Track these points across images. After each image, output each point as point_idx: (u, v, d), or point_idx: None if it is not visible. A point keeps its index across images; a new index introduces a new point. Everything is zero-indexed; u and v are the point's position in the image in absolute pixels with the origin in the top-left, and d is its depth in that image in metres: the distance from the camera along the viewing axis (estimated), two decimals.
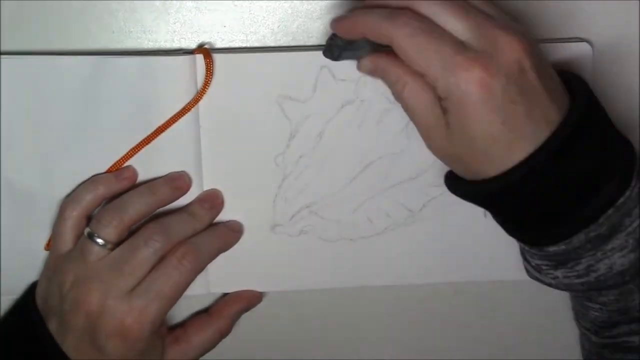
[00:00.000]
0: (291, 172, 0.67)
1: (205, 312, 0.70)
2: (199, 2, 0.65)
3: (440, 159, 0.60)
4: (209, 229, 0.66)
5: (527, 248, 0.62)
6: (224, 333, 0.69)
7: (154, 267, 0.63)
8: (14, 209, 0.66)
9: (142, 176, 0.65)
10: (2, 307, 0.69)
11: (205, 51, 0.63)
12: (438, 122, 0.57)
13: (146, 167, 0.65)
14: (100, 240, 0.62)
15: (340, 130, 0.66)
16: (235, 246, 0.68)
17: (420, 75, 0.57)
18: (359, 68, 0.61)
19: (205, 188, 0.66)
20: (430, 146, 0.59)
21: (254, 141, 0.66)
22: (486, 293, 0.73)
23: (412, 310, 0.73)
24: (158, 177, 0.65)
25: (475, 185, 0.59)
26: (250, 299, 0.70)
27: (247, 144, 0.66)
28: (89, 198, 0.64)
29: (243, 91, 0.64)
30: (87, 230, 0.63)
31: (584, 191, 0.57)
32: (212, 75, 0.63)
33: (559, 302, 0.73)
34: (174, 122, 0.64)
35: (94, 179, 0.65)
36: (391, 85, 0.59)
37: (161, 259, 0.63)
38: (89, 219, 0.65)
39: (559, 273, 0.61)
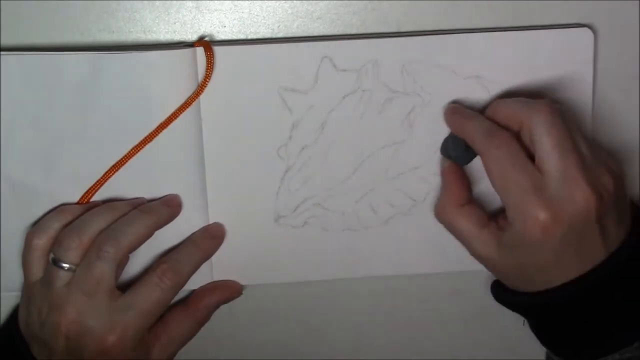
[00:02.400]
0: (294, 164, 0.67)
1: (182, 302, 0.69)
2: (199, 2, 0.65)
3: (482, 265, 0.65)
4: (188, 241, 0.67)
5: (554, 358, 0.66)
6: (203, 323, 0.69)
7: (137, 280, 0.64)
8: (14, 206, 0.66)
9: (144, 171, 0.65)
10: (2, 304, 0.69)
11: (206, 44, 0.63)
12: (490, 237, 0.63)
13: (149, 161, 0.65)
14: (65, 265, 0.62)
15: (342, 120, 0.66)
16: (239, 238, 0.68)
17: (518, 155, 0.61)
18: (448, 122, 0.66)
19: (208, 181, 0.66)
20: (475, 254, 0.64)
21: (256, 133, 0.66)
22: (486, 293, 0.72)
23: (411, 310, 0.73)
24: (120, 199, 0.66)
25: (516, 295, 0.64)
26: (229, 291, 0.69)
27: (249, 136, 0.66)
28: (55, 226, 0.64)
29: (244, 83, 0.65)
30: (51, 256, 0.63)
31: (620, 319, 0.61)
32: (213, 68, 0.63)
33: None
34: (176, 117, 0.63)
35: (60, 209, 0.65)
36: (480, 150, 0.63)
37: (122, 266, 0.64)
38: None
39: None
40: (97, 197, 0.65)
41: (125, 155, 0.64)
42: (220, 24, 0.65)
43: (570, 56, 0.66)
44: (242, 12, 0.65)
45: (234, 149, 0.66)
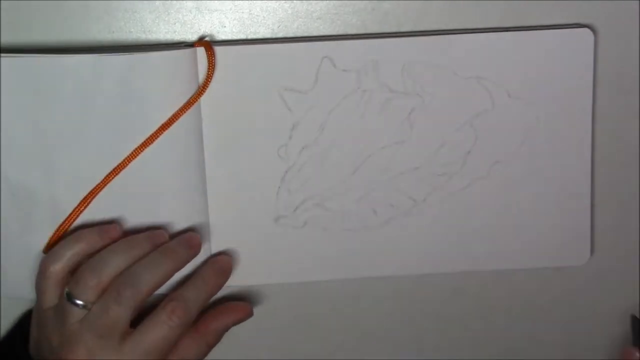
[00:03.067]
0: (294, 164, 0.67)
1: (192, 326, 0.67)
2: (199, 2, 0.65)
3: None
4: (197, 277, 0.66)
5: None
6: (213, 345, 0.68)
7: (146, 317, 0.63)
8: (14, 209, 0.65)
9: (144, 171, 0.64)
10: (2, 308, 0.69)
11: (207, 44, 0.63)
12: None
13: (149, 162, 0.64)
14: (79, 302, 0.62)
15: (342, 120, 0.66)
16: (239, 238, 0.68)
17: None
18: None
19: (208, 181, 0.66)
20: None
21: (256, 133, 0.66)
22: (486, 293, 0.72)
23: (412, 310, 0.73)
24: (138, 232, 0.65)
25: None
26: (240, 313, 0.69)
27: (249, 136, 0.66)
28: (69, 255, 0.63)
29: (244, 83, 0.65)
30: (66, 290, 0.63)
31: None
32: (214, 68, 0.63)
33: (559, 302, 0.73)
34: (177, 118, 0.63)
35: (77, 235, 0.64)
36: None
37: (138, 309, 0.63)
38: (71, 273, 0.64)
39: None
40: (97, 198, 0.65)
41: (127, 158, 0.64)
42: (220, 24, 0.65)
43: (571, 56, 0.66)
44: (242, 12, 0.65)
45: (234, 149, 0.66)
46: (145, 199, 0.66)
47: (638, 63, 0.68)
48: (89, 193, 0.65)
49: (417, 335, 0.74)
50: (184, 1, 0.65)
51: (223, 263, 0.68)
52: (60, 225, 0.65)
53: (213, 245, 0.68)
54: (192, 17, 0.65)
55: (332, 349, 0.73)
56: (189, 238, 0.65)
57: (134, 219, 0.66)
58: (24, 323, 0.68)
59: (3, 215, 0.65)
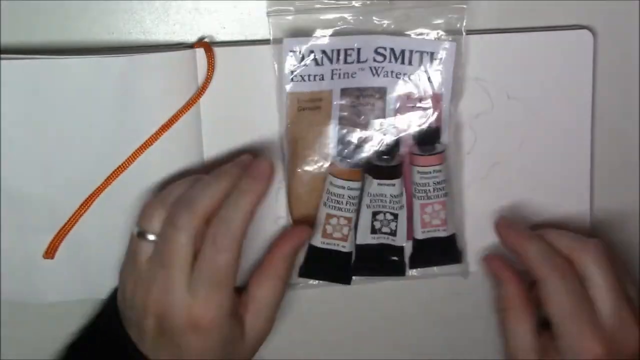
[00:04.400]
0: None
1: (259, 263, 0.66)
2: (199, 3, 0.65)
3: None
4: (233, 191, 0.61)
5: None
6: (285, 277, 0.65)
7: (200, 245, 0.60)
8: (13, 214, 0.65)
9: (144, 172, 0.64)
10: (2, 311, 0.69)
11: (206, 45, 0.63)
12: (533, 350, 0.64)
13: (148, 162, 0.64)
14: (147, 236, 0.60)
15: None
16: None
17: (528, 304, 0.64)
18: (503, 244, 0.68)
19: None
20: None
21: (255, 134, 0.66)
22: (486, 293, 0.72)
23: (411, 310, 0.73)
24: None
25: None
26: (300, 234, 0.66)
27: (249, 136, 0.66)
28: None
29: (244, 84, 0.65)
30: (136, 229, 0.61)
31: None
32: (213, 69, 0.63)
33: None
34: (177, 119, 0.63)
35: (214, 176, 0.62)
36: (499, 300, 0.67)
37: (201, 234, 0.60)
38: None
39: None
40: (98, 201, 0.64)
41: (127, 160, 0.64)
42: (219, 25, 0.65)
43: (570, 57, 0.66)
44: (242, 13, 0.65)
45: (233, 149, 0.66)
46: (145, 198, 0.65)
47: (638, 63, 0.68)
48: (89, 196, 0.64)
49: (417, 336, 0.74)
50: (184, 2, 0.65)
51: (260, 167, 0.62)
52: (61, 229, 0.65)
53: None
54: (192, 18, 0.65)
55: (331, 349, 0.73)
56: (245, 160, 0.63)
57: (133, 218, 0.65)
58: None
59: (2, 220, 0.65)
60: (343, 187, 0.66)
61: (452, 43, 0.64)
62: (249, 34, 0.66)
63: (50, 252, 0.65)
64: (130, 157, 0.64)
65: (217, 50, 0.63)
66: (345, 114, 0.65)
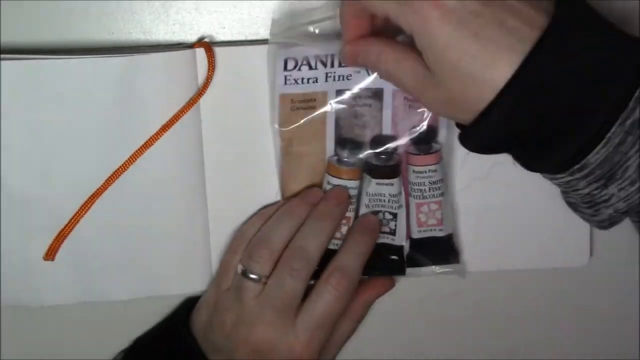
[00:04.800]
0: None
1: None
2: (199, 3, 0.65)
3: (442, 114, 0.60)
4: (349, 243, 0.66)
5: (567, 179, 0.55)
6: (361, 320, 0.69)
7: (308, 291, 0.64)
8: (13, 216, 0.65)
9: (144, 172, 0.64)
10: (2, 315, 0.69)
11: (207, 45, 0.63)
12: (425, 76, 0.55)
13: (148, 163, 0.64)
14: (254, 276, 0.63)
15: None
16: None
17: (399, 46, 0.57)
18: (342, 59, 0.61)
19: (208, 182, 0.66)
20: (428, 104, 0.58)
21: (255, 134, 0.66)
22: (486, 293, 0.72)
23: (411, 310, 0.73)
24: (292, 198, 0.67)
25: (480, 123, 0.54)
26: (383, 287, 0.69)
27: (249, 136, 0.66)
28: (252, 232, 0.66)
29: (244, 84, 0.65)
30: (240, 267, 0.64)
31: (601, 85, 0.52)
32: (214, 69, 0.63)
33: (559, 303, 0.74)
34: (177, 119, 0.63)
35: (262, 212, 0.67)
36: (375, 64, 0.58)
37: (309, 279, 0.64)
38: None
39: (612, 189, 0.54)
40: (98, 202, 0.64)
41: (127, 160, 0.64)
42: (219, 25, 0.65)
43: None
44: (242, 13, 0.65)
45: (233, 149, 0.66)
46: (145, 200, 0.66)
47: None
48: (90, 197, 0.64)
49: (417, 336, 0.74)
50: (184, 2, 0.65)
51: (369, 222, 0.67)
52: (62, 230, 0.65)
53: (212, 245, 0.68)
54: (192, 18, 0.65)
55: None
56: (337, 195, 0.66)
57: (133, 220, 0.66)
58: (182, 310, 0.69)
59: (2, 221, 0.65)
60: (340, 187, 0.66)
61: None
62: (249, 34, 0.66)
63: (50, 254, 0.65)
64: (130, 157, 0.64)
65: (217, 50, 0.63)
66: (342, 114, 0.65)
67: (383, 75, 0.59)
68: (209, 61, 0.63)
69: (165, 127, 0.63)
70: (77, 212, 0.64)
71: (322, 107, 0.65)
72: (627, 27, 0.64)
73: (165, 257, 0.67)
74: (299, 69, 0.63)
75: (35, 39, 0.64)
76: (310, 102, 0.64)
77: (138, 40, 0.65)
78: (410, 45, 0.55)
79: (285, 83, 0.63)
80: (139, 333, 0.70)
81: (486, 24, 0.52)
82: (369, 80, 0.63)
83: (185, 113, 0.63)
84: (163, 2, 0.64)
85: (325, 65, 0.63)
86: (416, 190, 0.66)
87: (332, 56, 0.63)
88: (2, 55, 0.61)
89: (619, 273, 0.72)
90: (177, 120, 0.63)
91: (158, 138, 0.63)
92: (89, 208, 0.64)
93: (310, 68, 0.63)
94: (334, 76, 0.64)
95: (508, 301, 0.74)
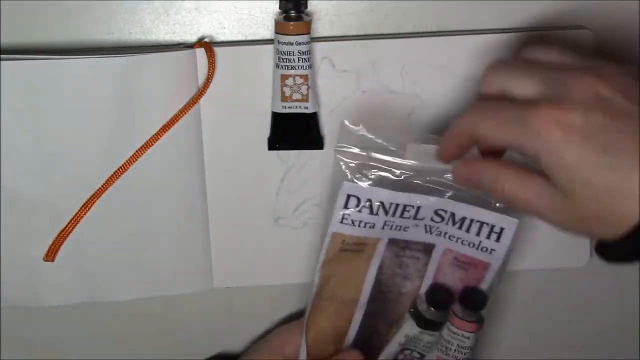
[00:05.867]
0: (294, 165, 0.67)
1: None
2: (199, 3, 0.65)
3: (576, 233, 0.55)
4: None
5: None
6: None
7: None
8: (13, 217, 0.65)
9: (144, 172, 0.64)
10: (2, 316, 0.69)
11: (207, 45, 0.63)
12: (554, 195, 0.53)
13: (149, 163, 0.64)
14: None
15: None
16: (239, 239, 0.68)
17: (517, 166, 0.55)
18: (455, 179, 0.59)
19: (208, 182, 0.66)
20: (558, 223, 0.54)
21: (255, 134, 0.66)
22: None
23: None
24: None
25: (633, 238, 0.51)
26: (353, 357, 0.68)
27: (249, 137, 0.66)
28: None
29: (244, 84, 0.65)
30: None
31: None
32: (214, 69, 0.63)
33: (559, 303, 0.74)
34: (177, 119, 0.63)
35: None
36: (492, 185, 0.56)
37: None
38: None
39: None
40: (98, 202, 0.64)
41: (127, 161, 0.64)
42: (219, 25, 0.65)
43: None
44: (242, 14, 0.65)
45: (233, 149, 0.66)
46: (145, 200, 0.66)
47: (637, 63, 0.68)
48: (90, 197, 0.64)
49: None
50: (184, 2, 0.65)
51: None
52: (62, 231, 0.65)
53: (213, 246, 0.68)
54: (192, 18, 0.65)
55: None
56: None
57: (133, 220, 0.66)
58: None
59: (2, 222, 0.65)
60: (291, 43, 0.63)
61: (514, 220, 0.62)
62: (249, 34, 0.66)
63: (50, 255, 0.65)
64: (130, 158, 0.64)
65: (217, 50, 0.63)
66: (387, 261, 0.64)
67: (500, 196, 0.56)
68: (209, 61, 0.63)
69: (165, 127, 0.63)
70: (78, 212, 0.65)
71: (371, 253, 0.64)
72: (627, 27, 0.65)
73: (165, 257, 0.67)
74: (360, 211, 0.61)
75: (35, 39, 0.64)
76: (360, 246, 0.63)
77: (138, 40, 0.65)
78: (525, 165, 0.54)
79: (342, 222, 0.62)
80: (139, 333, 0.70)
81: (617, 138, 0.50)
82: (425, 236, 0.63)
83: (185, 113, 0.63)
84: (163, 2, 0.64)
85: (387, 213, 0.62)
86: (443, 346, 0.66)
87: (397, 206, 0.61)
88: (2, 55, 0.61)
89: (619, 273, 0.72)
90: (177, 120, 0.63)
91: (158, 138, 0.63)
92: (89, 208, 0.64)
93: (371, 212, 0.62)
94: (392, 225, 0.62)
95: (508, 302, 0.74)
